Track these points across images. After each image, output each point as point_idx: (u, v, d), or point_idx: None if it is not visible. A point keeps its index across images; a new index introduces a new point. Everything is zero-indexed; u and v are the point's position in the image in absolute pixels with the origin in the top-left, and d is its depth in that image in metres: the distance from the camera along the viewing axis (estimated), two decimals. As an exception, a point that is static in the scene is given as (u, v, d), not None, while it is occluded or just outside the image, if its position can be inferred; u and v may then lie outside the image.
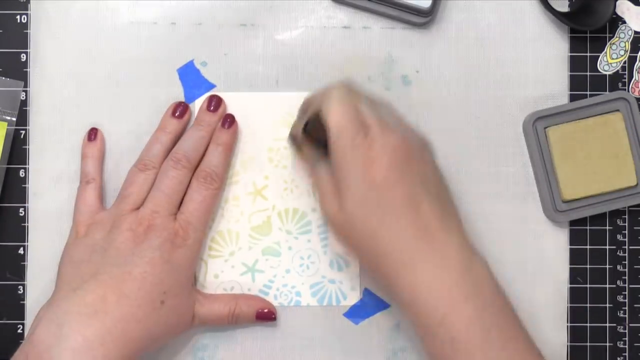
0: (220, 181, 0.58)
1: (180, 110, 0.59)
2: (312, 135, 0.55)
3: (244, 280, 0.60)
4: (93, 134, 0.59)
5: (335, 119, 0.51)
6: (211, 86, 0.60)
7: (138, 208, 0.55)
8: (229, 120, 0.59)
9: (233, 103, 0.60)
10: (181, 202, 0.56)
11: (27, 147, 0.60)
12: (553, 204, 0.60)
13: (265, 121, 0.60)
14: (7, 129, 0.59)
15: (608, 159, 0.60)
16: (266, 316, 0.59)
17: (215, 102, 0.59)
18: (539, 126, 0.60)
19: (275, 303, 0.60)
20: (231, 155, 0.59)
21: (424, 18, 0.60)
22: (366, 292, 0.60)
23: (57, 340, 0.49)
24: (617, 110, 0.60)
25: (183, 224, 0.55)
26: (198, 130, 0.58)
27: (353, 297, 0.60)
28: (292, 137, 0.58)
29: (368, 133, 0.51)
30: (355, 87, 0.54)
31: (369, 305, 0.60)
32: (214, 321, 0.58)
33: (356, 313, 0.60)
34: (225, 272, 0.60)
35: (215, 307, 0.57)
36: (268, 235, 0.60)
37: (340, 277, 0.60)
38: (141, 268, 0.52)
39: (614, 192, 0.60)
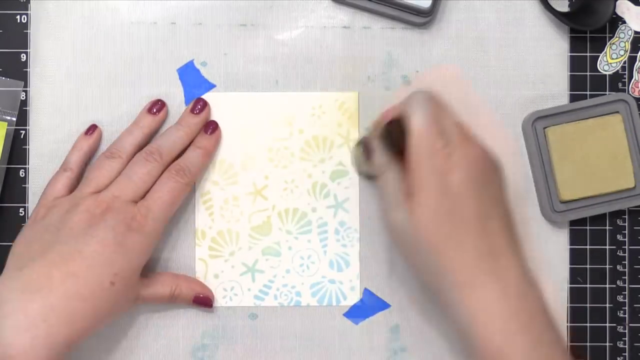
0: (191, 178, 0.57)
1: (157, 107, 0.59)
2: (386, 140, 0.54)
3: (244, 281, 0.60)
4: (91, 129, 0.59)
5: (418, 122, 0.51)
6: (211, 86, 0.60)
7: (99, 192, 0.55)
8: (212, 127, 0.59)
9: (233, 103, 0.60)
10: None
11: (27, 147, 0.60)
12: (551, 204, 0.60)
13: (265, 121, 0.60)
14: (7, 129, 0.59)
15: (606, 161, 0.60)
16: (202, 301, 0.59)
17: (200, 106, 0.59)
18: (538, 126, 0.60)
19: (275, 303, 0.60)
20: (209, 162, 0.59)
21: (424, 18, 0.60)
22: (366, 292, 0.60)
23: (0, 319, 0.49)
24: (617, 112, 0.60)
25: (143, 210, 0.54)
26: (177, 130, 0.58)
27: (353, 297, 0.60)
28: (364, 143, 0.58)
29: (449, 141, 0.51)
30: (439, 97, 0.54)
31: (369, 305, 0.60)
32: (154, 301, 0.57)
33: (356, 313, 0.60)
34: (225, 272, 0.60)
35: (158, 289, 0.57)
36: (268, 235, 0.60)
37: (340, 277, 0.60)
38: (92, 247, 0.51)
39: (612, 194, 0.60)
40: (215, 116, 0.60)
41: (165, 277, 0.58)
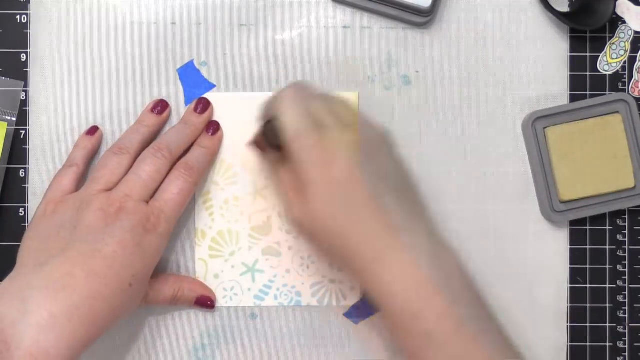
0: (198, 176, 0.57)
1: (160, 107, 0.59)
2: (271, 139, 0.54)
3: (244, 280, 0.60)
4: (93, 130, 0.59)
5: (289, 121, 0.51)
6: (211, 86, 0.60)
7: (109, 190, 0.54)
8: (214, 128, 0.59)
9: (233, 103, 0.60)
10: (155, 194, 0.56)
11: (27, 147, 0.60)
12: (550, 204, 0.60)
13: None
14: (7, 129, 0.59)
15: (606, 161, 0.60)
16: (204, 303, 0.59)
17: (202, 105, 0.59)
18: (538, 126, 0.60)
19: (275, 303, 0.60)
20: (212, 161, 0.59)
21: (424, 18, 0.60)
22: (366, 292, 0.60)
23: (22, 315, 0.48)
24: (617, 112, 0.60)
25: (156, 211, 0.54)
26: (184, 128, 0.58)
27: (353, 297, 0.60)
28: (254, 143, 0.58)
29: (324, 132, 0.51)
30: (307, 87, 0.54)
31: (369, 305, 0.60)
32: (157, 302, 0.57)
33: (356, 313, 0.60)
34: (226, 272, 0.60)
35: (161, 290, 0.57)
36: (268, 235, 0.60)
37: (341, 277, 0.60)
38: (112, 247, 0.51)
39: (612, 194, 0.60)
40: (215, 116, 0.60)
41: (168, 278, 0.58)
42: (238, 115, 0.60)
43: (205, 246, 0.60)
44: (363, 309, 0.60)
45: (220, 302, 0.60)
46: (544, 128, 0.60)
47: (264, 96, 0.60)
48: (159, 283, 0.57)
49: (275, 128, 0.53)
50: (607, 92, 0.61)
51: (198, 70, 0.60)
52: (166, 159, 0.56)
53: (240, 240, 0.60)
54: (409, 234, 0.50)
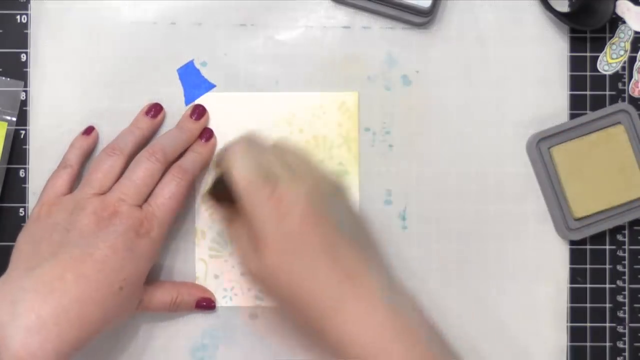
0: (191, 180, 0.57)
1: (154, 111, 0.59)
2: (223, 193, 0.54)
3: (244, 280, 0.60)
4: (89, 130, 0.59)
5: (240, 176, 0.51)
6: (211, 86, 0.60)
7: (103, 193, 0.55)
8: (207, 135, 0.59)
9: (233, 103, 0.60)
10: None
11: (27, 147, 0.60)
12: (565, 223, 0.60)
13: (265, 121, 0.60)
14: (7, 129, 0.59)
15: (615, 173, 0.60)
16: (205, 306, 0.59)
17: (198, 112, 0.59)
18: (542, 147, 0.60)
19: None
20: (205, 167, 0.59)
21: (424, 18, 0.60)
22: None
23: (11, 317, 0.48)
24: (619, 123, 0.60)
25: (149, 216, 0.54)
26: (179, 132, 0.58)
27: None
28: (208, 196, 0.58)
29: (276, 185, 0.51)
30: (257, 139, 0.55)
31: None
32: (156, 309, 0.57)
33: None
34: (226, 272, 0.60)
35: (159, 296, 0.57)
36: None
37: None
38: (103, 251, 0.51)
39: (625, 205, 0.60)
40: (215, 116, 0.60)
41: (166, 285, 0.58)
42: (238, 115, 0.60)
43: (205, 246, 0.60)
44: None
45: (220, 302, 0.60)
46: (549, 148, 0.60)
47: (264, 96, 0.60)
48: (156, 288, 0.57)
49: (226, 182, 0.52)
50: (607, 92, 0.61)
51: (198, 70, 0.60)
52: (160, 162, 0.56)
53: None
54: (364, 282, 0.50)
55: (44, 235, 0.53)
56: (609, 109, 0.60)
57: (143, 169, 0.55)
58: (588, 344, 0.61)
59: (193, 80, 0.60)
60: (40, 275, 0.50)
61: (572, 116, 0.61)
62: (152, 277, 0.60)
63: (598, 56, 0.62)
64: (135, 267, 0.53)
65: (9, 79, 0.60)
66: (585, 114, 0.61)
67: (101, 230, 0.52)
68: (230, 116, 0.60)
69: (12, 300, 0.49)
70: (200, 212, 0.60)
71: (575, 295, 0.61)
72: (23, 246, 0.53)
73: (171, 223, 0.56)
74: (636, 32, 0.62)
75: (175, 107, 0.60)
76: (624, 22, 0.62)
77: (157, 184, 0.56)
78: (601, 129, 0.60)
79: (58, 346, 0.49)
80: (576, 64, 0.62)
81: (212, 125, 0.60)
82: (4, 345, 0.48)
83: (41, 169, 0.60)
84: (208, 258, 0.60)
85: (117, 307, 0.52)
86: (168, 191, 0.55)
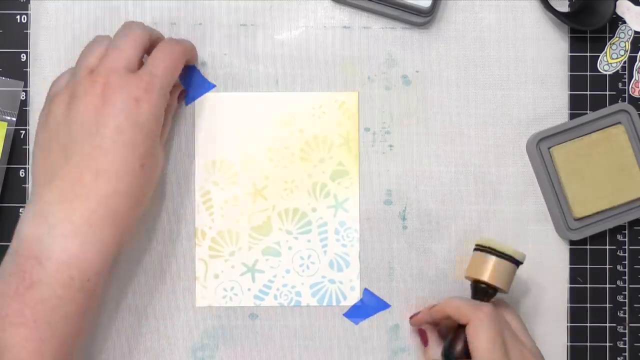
0: (183, 47, 0.55)
1: None
2: (455, 346, 0.55)
3: (244, 281, 0.60)
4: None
5: (484, 346, 0.52)
6: (211, 86, 0.60)
7: (93, 72, 0.52)
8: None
9: (233, 103, 0.60)
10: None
11: (27, 147, 0.60)
12: (565, 223, 0.60)
13: (265, 121, 0.60)
14: (7, 129, 0.59)
15: (615, 173, 0.60)
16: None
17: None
18: (542, 147, 0.60)
19: (275, 303, 0.60)
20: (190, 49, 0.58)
21: (424, 18, 0.60)
22: (366, 292, 0.60)
23: (46, 230, 0.49)
24: (619, 123, 0.60)
25: (145, 77, 0.52)
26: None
27: (353, 297, 0.60)
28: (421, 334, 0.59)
29: None
30: (502, 314, 0.55)
31: (369, 305, 0.60)
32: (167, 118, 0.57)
33: (356, 313, 0.60)
34: (225, 272, 0.60)
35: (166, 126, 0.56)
36: (268, 235, 0.60)
37: (340, 277, 0.60)
38: (110, 139, 0.50)
39: (625, 205, 0.60)
40: (215, 116, 0.60)
41: (166, 119, 0.57)
42: (238, 115, 0.60)
43: (205, 246, 0.60)
44: (363, 308, 0.60)
45: (220, 302, 0.60)
46: (549, 148, 0.60)
47: (263, 96, 0.60)
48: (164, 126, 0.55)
49: (462, 336, 0.54)
50: (607, 92, 0.61)
51: (198, 71, 0.60)
52: (143, 30, 0.54)
53: (240, 240, 0.60)
54: None
55: (50, 141, 0.52)
56: (609, 109, 0.60)
57: (125, 36, 0.53)
58: (588, 344, 0.61)
59: (193, 80, 0.60)
60: (60, 185, 0.50)
61: (572, 116, 0.61)
62: (154, 276, 0.60)
63: (598, 56, 0.62)
64: (146, 136, 0.51)
65: (9, 79, 0.60)
66: (585, 114, 0.61)
67: (100, 115, 0.50)
68: (230, 116, 0.60)
69: (43, 216, 0.50)
70: (200, 212, 0.60)
71: (575, 295, 0.61)
72: (37, 159, 0.53)
73: (170, 85, 0.53)
74: (636, 32, 0.62)
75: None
76: (624, 22, 0.62)
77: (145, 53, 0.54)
78: (601, 129, 0.60)
79: (97, 245, 0.50)
80: (576, 64, 0.62)
81: (212, 125, 0.60)
82: (44, 256, 0.49)
83: (41, 169, 0.60)
84: (208, 258, 0.60)
85: (144, 184, 0.52)
86: (167, 46, 0.54)
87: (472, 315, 0.53)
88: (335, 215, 0.61)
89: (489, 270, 0.55)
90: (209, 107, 0.60)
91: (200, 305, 0.60)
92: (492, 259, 0.55)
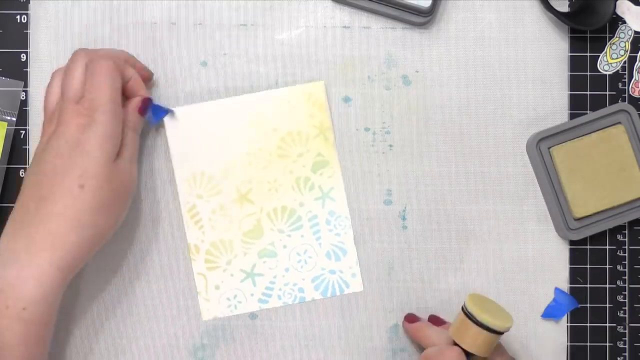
0: (113, 62, 0.54)
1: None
2: None
3: (245, 287, 0.60)
4: None
5: None
6: (169, 111, 0.59)
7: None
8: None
9: (201, 114, 0.60)
10: None
11: (27, 147, 0.60)
12: (565, 223, 0.60)
13: (237, 126, 0.60)
14: (7, 129, 0.59)
15: (615, 173, 0.60)
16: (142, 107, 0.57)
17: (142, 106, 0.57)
18: (542, 147, 0.60)
19: (279, 303, 0.60)
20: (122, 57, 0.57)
21: (424, 18, 0.60)
22: (557, 291, 0.60)
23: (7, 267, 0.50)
24: (619, 123, 0.60)
25: (86, 102, 0.52)
26: None
27: (356, 285, 0.60)
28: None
29: None
30: None
31: (562, 302, 0.60)
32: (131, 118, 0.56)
33: (552, 312, 0.60)
34: (225, 281, 0.60)
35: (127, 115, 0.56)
36: (261, 238, 0.60)
37: (340, 266, 0.60)
38: (50, 163, 0.51)
39: (625, 205, 0.60)
40: (186, 130, 0.60)
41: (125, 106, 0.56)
42: (208, 125, 0.60)
43: (201, 259, 0.60)
44: (557, 307, 0.61)
45: (225, 312, 0.60)
46: (549, 148, 0.60)
47: (229, 102, 0.60)
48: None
49: None
50: (607, 92, 0.62)
51: (151, 99, 0.59)
52: (85, 56, 0.54)
53: (235, 247, 0.60)
54: None
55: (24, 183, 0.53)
56: (609, 109, 0.60)
57: (71, 63, 0.54)
58: (588, 344, 0.61)
59: (150, 109, 0.59)
60: (14, 216, 0.51)
61: (572, 116, 0.61)
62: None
63: (598, 56, 0.62)
64: (89, 159, 0.51)
65: (9, 79, 0.60)
66: (585, 114, 0.61)
67: (49, 142, 0.52)
68: (202, 127, 0.60)
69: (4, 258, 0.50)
70: (190, 226, 0.60)
71: (575, 295, 0.61)
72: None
73: (115, 98, 0.53)
74: (636, 32, 0.62)
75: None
76: (624, 22, 0.62)
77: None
78: (601, 129, 0.60)
79: (34, 272, 0.49)
80: (576, 64, 0.62)
81: (185, 139, 0.60)
82: None
83: (41, 169, 0.60)
84: (206, 271, 0.60)
85: (85, 208, 0.51)
86: (92, 74, 0.53)
87: (433, 358, 0.53)
88: (324, 206, 0.60)
89: (470, 338, 0.53)
90: (179, 122, 0.60)
91: (207, 318, 0.60)
92: (474, 328, 0.52)
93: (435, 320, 0.59)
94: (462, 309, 0.53)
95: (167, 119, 0.59)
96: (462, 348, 0.53)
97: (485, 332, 0.52)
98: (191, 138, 0.60)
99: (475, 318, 0.52)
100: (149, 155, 0.60)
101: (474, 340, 0.52)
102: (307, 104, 0.60)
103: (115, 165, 0.52)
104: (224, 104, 0.60)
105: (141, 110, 0.56)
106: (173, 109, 0.60)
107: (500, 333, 0.52)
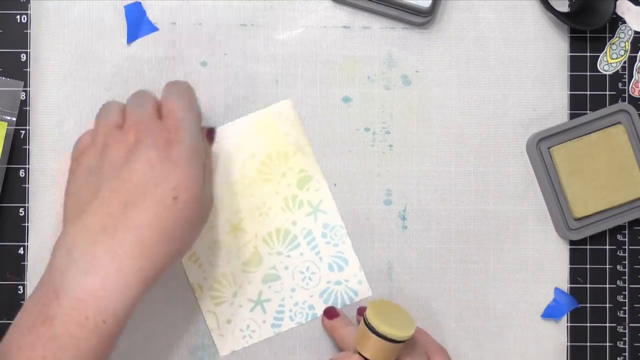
0: (187, 84, 0.54)
1: None
2: None
3: (256, 316, 0.60)
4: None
5: None
6: (154, 29, 0.60)
7: (120, 126, 0.52)
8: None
9: None
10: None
11: (27, 147, 0.60)
12: (565, 223, 0.60)
13: (216, 159, 0.60)
14: (7, 129, 0.59)
15: (615, 173, 0.60)
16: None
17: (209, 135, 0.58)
18: (542, 147, 0.60)
19: (292, 324, 0.60)
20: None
21: (424, 18, 0.60)
22: (557, 291, 0.60)
23: (68, 264, 0.47)
24: (619, 123, 0.60)
25: (171, 120, 0.51)
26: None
27: (363, 290, 0.60)
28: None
29: None
30: None
31: (562, 303, 0.60)
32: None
33: (552, 312, 0.60)
34: (235, 314, 0.60)
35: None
36: (261, 264, 0.60)
37: (344, 276, 0.60)
38: (140, 171, 0.49)
39: (625, 205, 0.60)
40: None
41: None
42: None
43: (207, 297, 0.60)
44: (557, 307, 0.61)
45: (241, 343, 0.60)
46: (549, 148, 0.60)
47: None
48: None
49: None
50: (607, 92, 0.62)
51: (144, 11, 0.60)
52: (148, 95, 0.53)
53: (237, 278, 0.60)
54: None
55: (81, 183, 0.51)
56: (609, 109, 0.60)
57: (142, 95, 0.53)
58: (588, 344, 0.61)
59: (137, 19, 0.59)
60: (88, 219, 0.49)
61: (572, 116, 0.61)
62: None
63: (598, 56, 0.62)
64: (181, 172, 0.49)
65: (9, 79, 0.60)
66: (585, 114, 0.61)
67: (132, 154, 0.50)
68: None
69: (67, 249, 0.48)
70: (189, 267, 0.60)
71: (575, 295, 0.61)
72: (67, 200, 0.52)
73: (196, 118, 0.52)
74: (636, 32, 0.62)
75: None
76: (624, 22, 0.62)
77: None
78: (601, 129, 0.60)
79: (120, 283, 0.47)
80: (576, 64, 0.62)
81: None
82: (63, 291, 0.47)
83: (41, 168, 0.60)
84: (214, 307, 0.60)
85: (178, 219, 0.49)
86: (176, 96, 0.52)
87: None
88: (316, 220, 0.60)
89: (371, 347, 0.53)
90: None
91: (225, 354, 0.60)
92: (374, 338, 0.53)
93: (330, 313, 0.59)
94: (363, 318, 0.54)
95: (137, 42, 0.59)
96: (364, 357, 0.54)
97: (385, 342, 0.53)
98: None
99: (374, 329, 0.53)
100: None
101: (375, 350, 0.53)
102: (279, 123, 0.60)
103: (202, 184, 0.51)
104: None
105: (209, 139, 0.57)
106: None
107: (400, 342, 0.53)
